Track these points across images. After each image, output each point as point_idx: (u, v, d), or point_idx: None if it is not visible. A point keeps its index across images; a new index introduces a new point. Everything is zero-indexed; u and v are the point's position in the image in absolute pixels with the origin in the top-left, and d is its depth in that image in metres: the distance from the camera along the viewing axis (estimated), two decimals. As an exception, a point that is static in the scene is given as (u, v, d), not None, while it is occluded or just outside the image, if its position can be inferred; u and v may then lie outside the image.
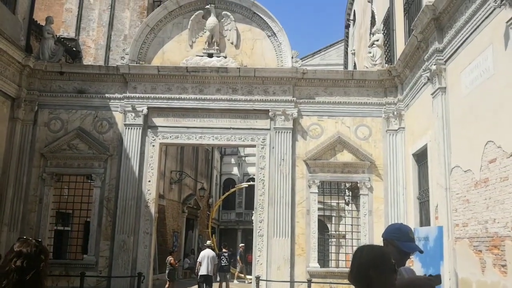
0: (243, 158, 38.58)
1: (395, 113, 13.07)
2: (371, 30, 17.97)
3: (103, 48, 22.43)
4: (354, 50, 22.49)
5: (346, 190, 16.62)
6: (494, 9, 7.60)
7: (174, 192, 24.92)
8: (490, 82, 7.81)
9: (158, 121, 13.61)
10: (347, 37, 26.33)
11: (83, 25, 22.83)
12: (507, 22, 7.07)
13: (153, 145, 13.46)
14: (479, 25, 8.24)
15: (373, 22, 17.67)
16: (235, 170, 38.66)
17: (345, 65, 27.68)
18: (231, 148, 36.84)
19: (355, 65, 22.19)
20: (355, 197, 15.24)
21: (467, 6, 8.69)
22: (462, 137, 8.95)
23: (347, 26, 25.03)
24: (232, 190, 29.79)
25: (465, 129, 8.80)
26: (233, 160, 38.82)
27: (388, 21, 14.60)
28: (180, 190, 25.85)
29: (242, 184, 32.58)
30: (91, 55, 22.25)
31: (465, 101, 8.80)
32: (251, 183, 33.06)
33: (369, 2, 17.91)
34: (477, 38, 8.37)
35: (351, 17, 23.90)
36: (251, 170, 38.56)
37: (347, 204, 17.21)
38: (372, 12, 17.55)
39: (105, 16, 22.71)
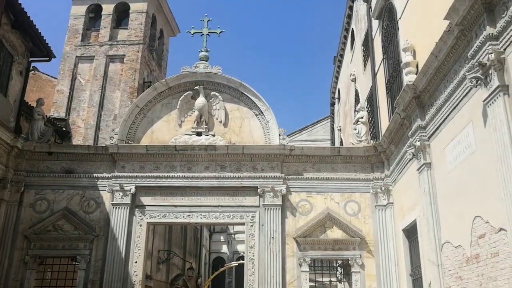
0: (233, 235, 37.96)
1: (383, 188, 13.14)
2: (355, 108, 18.52)
3: (93, 127, 22.71)
4: (340, 126, 23.01)
5: (338, 267, 16.27)
6: (471, 88, 7.94)
7: (162, 272, 24.15)
8: (474, 158, 7.97)
9: (146, 200, 13.50)
10: (333, 114, 27.04)
11: (74, 106, 23.26)
12: (483, 101, 7.36)
13: (141, 225, 13.24)
14: (458, 103, 8.56)
15: (357, 100, 18.25)
16: (224, 248, 37.88)
17: (332, 140, 28.18)
18: (220, 226, 36.30)
19: (341, 141, 22.60)
20: (347, 274, 14.91)
21: (445, 85, 9.07)
22: (451, 212, 8.97)
23: (332, 104, 25.78)
24: (221, 269, 29.01)
25: (453, 205, 8.84)
26: (222, 238, 38.14)
27: (372, 99, 15.09)
28: (168, 270, 25.07)
29: (232, 263, 31.77)
30: (81, 135, 22.47)
31: (451, 176, 8.91)
32: (241, 261, 32.33)
33: (352, 81, 18.60)
34: (457, 115, 8.65)
35: (336, 95, 24.69)
36: (240, 247, 37.80)
37: (340, 281, 16.79)
38: (356, 91, 18.18)
39: (96, 96, 23.22)
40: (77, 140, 22.14)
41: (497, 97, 6.95)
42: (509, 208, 6.55)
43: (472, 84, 7.54)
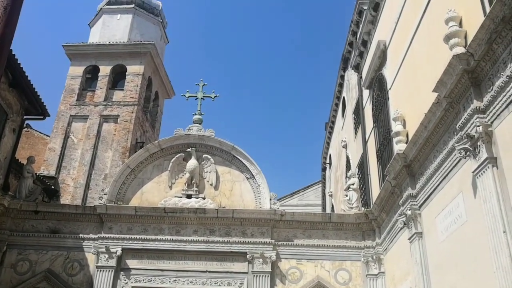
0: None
1: (374, 257, 12.93)
2: (346, 174, 18.58)
3: (82, 186, 22.50)
4: (331, 192, 22.98)
5: None
6: (460, 159, 8.04)
7: None
8: (465, 229, 7.92)
9: (131, 263, 13.13)
10: (324, 179, 27.08)
11: (65, 164, 23.16)
12: (473, 172, 7.42)
13: (125, 289, 12.80)
14: (448, 173, 8.62)
15: (348, 166, 18.35)
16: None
17: (323, 205, 28.02)
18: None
19: (332, 207, 22.48)
20: None
21: (435, 155, 9.18)
22: (443, 284, 8.78)
23: (324, 169, 25.89)
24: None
25: (445, 276, 8.67)
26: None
27: (363, 166, 15.19)
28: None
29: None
30: (69, 193, 22.21)
31: (443, 247, 8.81)
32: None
33: (343, 147, 18.80)
34: (447, 185, 8.69)
35: (327, 161, 24.85)
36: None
37: None
38: (347, 157, 18.33)
39: (88, 155, 23.19)
40: (65, 199, 21.86)
41: (486, 169, 7.02)
42: (501, 282, 6.43)
43: (462, 155, 7.63)
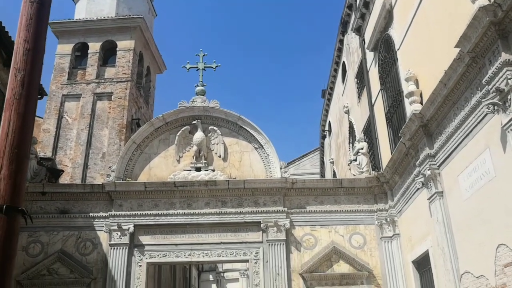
0: (222, 274, 36.99)
1: (388, 219, 12.94)
2: (349, 140, 18.53)
3: (80, 166, 22.14)
4: (332, 159, 22.94)
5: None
6: (486, 114, 7.91)
7: (153, 315, 23.20)
8: (494, 185, 7.85)
9: (144, 239, 13.01)
10: (323, 147, 27.02)
11: (61, 145, 22.74)
12: (503, 126, 7.31)
13: (140, 265, 12.70)
14: (472, 130, 8.51)
15: (351, 132, 18.25)
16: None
17: (322, 174, 28.06)
18: (209, 264, 35.40)
19: (334, 174, 22.49)
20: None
21: (455, 113, 9.05)
22: (469, 241, 8.78)
23: (323, 137, 25.78)
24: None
25: (471, 233, 8.66)
26: (211, 277, 37.12)
27: (369, 130, 15.07)
28: (159, 313, 24.11)
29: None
30: (68, 174, 21.85)
31: (468, 204, 8.77)
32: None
33: (346, 113, 18.64)
34: (471, 142, 8.59)
35: (326, 128, 24.73)
36: (230, 286, 36.84)
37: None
38: (350, 122, 18.19)
39: (83, 135, 22.76)
40: (64, 179, 21.50)
41: (518, 122, 6.91)
42: (541, 234, 6.40)
43: (490, 110, 7.50)
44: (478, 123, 8.27)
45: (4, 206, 3.22)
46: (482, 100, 7.72)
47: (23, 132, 3.35)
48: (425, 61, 10.55)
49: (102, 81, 23.81)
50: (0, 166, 3.26)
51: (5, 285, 3.37)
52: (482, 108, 7.90)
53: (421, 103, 10.51)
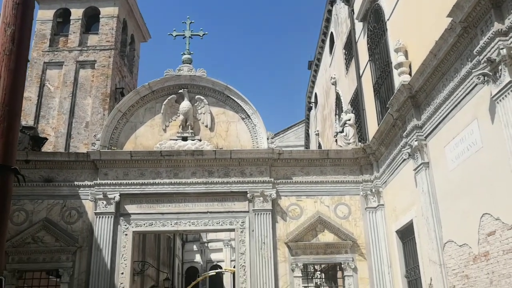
0: (206, 244, 37.33)
1: (373, 190, 13.09)
2: (336, 111, 18.55)
3: (63, 135, 21.85)
4: (318, 131, 22.99)
5: (319, 272, 15.90)
6: (475, 85, 7.95)
7: (137, 284, 23.26)
8: (480, 155, 7.95)
9: (130, 208, 12.96)
10: (308, 119, 27.03)
11: (43, 113, 22.34)
12: (492, 97, 7.36)
13: (126, 234, 12.69)
14: (460, 101, 8.56)
15: (338, 103, 18.25)
16: (197, 258, 37.15)
17: (306, 146, 28.17)
18: (192, 234, 35.64)
19: (319, 145, 22.58)
20: (329, 279, 14.78)
21: (444, 84, 9.07)
22: (453, 211, 8.94)
23: (309, 109, 25.77)
24: (199, 279, 28.32)
25: (456, 203, 8.80)
26: (195, 247, 37.43)
27: (357, 101, 15.08)
28: (143, 281, 24.28)
29: (209, 272, 31.10)
30: (51, 143, 21.51)
31: (453, 175, 8.89)
32: (218, 270, 31.75)
33: (333, 84, 18.60)
34: (459, 113, 8.65)
35: (312, 100, 24.69)
36: (214, 256, 37.24)
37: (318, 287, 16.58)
38: (337, 94, 18.17)
39: (66, 103, 22.37)
40: (47, 148, 21.16)
41: (508, 93, 6.95)
42: (526, 203, 6.53)
43: (480, 80, 7.53)
44: (467, 94, 8.31)
45: (-2, 164, 3.12)
46: (473, 70, 7.73)
47: (14, 89, 3.24)
48: (415, 31, 10.50)
49: (85, 49, 23.28)
50: (-10, 125, 3.16)
51: (-2, 245, 3.30)
52: (472, 79, 7.93)
53: (410, 74, 10.51)
